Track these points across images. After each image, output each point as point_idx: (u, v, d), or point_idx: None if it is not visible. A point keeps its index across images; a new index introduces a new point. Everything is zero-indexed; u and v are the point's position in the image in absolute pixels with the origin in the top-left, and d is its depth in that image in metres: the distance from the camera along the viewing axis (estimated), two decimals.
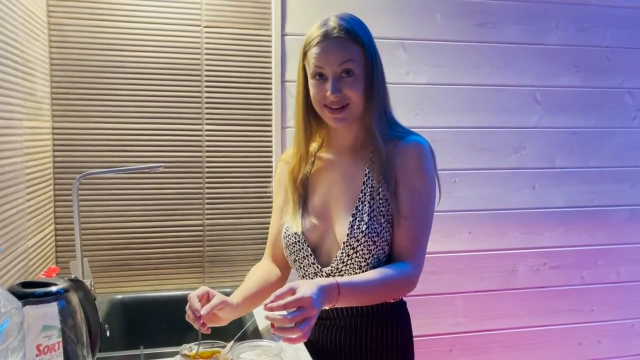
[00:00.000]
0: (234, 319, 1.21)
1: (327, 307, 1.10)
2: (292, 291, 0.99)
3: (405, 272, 1.15)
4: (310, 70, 1.19)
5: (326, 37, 1.16)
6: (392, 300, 1.24)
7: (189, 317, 1.13)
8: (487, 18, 2.08)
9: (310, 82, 1.20)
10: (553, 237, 2.23)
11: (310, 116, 1.26)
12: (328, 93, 1.16)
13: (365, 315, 1.21)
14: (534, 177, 2.19)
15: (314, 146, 1.32)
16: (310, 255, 1.22)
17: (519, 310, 2.22)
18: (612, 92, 2.24)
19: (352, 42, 1.16)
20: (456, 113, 2.09)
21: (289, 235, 1.25)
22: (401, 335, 1.24)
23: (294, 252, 1.25)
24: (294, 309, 0.97)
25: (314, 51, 1.17)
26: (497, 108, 2.13)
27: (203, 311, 1.10)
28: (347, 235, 1.17)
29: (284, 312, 0.97)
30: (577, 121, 2.22)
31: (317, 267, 1.22)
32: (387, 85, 1.26)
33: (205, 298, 1.15)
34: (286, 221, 1.28)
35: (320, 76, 1.18)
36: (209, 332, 1.12)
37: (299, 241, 1.23)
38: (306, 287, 1.00)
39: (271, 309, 0.97)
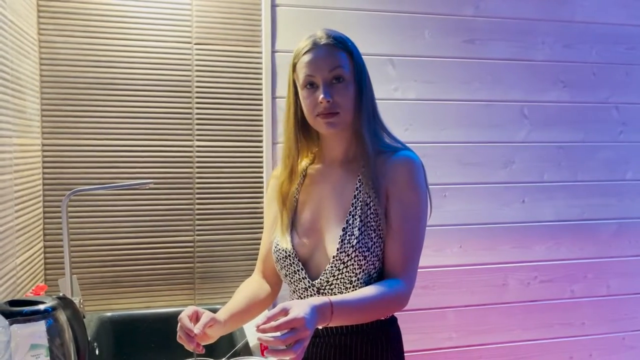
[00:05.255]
0: (222, 335, 1.21)
1: (320, 327, 1.10)
2: (285, 312, 0.98)
3: (397, 289, 1.15)
4: (300, 81, 1.21)
5: (315, 45, 1.18)
6: (383, 317, 1.23)
7: (181, 338, 1.11)
8: (475, 35, 2.11)
9: (302, 93, 1.21)
10: (543, 250, 2.24)
11: (301, 131, 1.26)
12: (320, 98, 1.16)
13: (356, 333, 1.21)
14: (523, 191, 2.21)
15: (305, 162, 1.33)
16: (302, 269, 1.22)
17: (510, 324, 2.23)
18: (598, 107, 2.27)
19: (340, 49, 1.19)
20: (445, 128, 2.11)
21: (278, 250, 1.25)
22: (392, 352, 1.24)
23: (285, 267, 1.25)
24: (287, 330, 0.95)
25: (303, 60, 1.19)
26: (485, 123, 2.15)
27: (196, 330, 1.09)
28: (338, 250, 1.17)
29: (277, 334, 0.95)
30: (565, 136, 2.24)
31: (308, 281, 1.21)
32: (377, 101, 1.28)
33: (194, 317, 1.13)
34: (276, 236, 1.28)
35: (312, 85, 1.19)
36: (203, 351, 1.11)
37: (289, 256, 1.23)
38: (299, 308, 0.98)
39: (263, 331, 0.95)
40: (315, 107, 1.18)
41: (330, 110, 1.17)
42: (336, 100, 1.17)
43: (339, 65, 1.17)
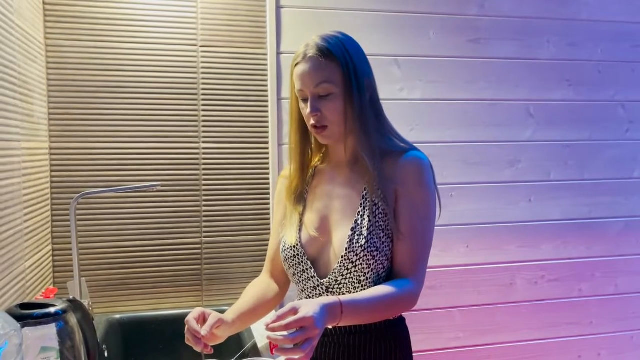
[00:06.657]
0: (230, 335, 1.21)
1: (330, 326, 1.10)
2: (295, 311, 0.98)
3: (407, 289, 1.15)
4: (295, 91, 1.23)
5: (304, 57, 1.19)
6: (392, 317, 1.24)
7: (189, 340, 1.12)
8: (480, 34, 2.11)
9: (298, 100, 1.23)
10: (550, 249, 2.24)
11: (307, 131, 1.27)
12: (307, 112, 1.19)
13: (364, 332, 1.21)
14: (530, 190, 2.20)
15: (314, 161, 1.34)
16: (310, 268, 1.22)
17: (517, 323, 2.22)
18: (604, 105, 2.27)
19: (328, 61, 1.17)
20: (451, 128, 2.11)
21: (286, 248, 1.26)
22: (401, 352, 1.24)
23: (293, 265, 1.25)
24: (296, 329, 0.96)
25: (296, 72, 1.21)
26: (491, 122, 2.15)
27: (203, 331, 1.09)
28: (346, 250, 1.18)
29: (286, 332, 0.96)
30: (571, 134, 2.24)
31: (317, 280, 1.22)
32: (382, 101, 1.28)
33: (202, 319, 1.14)
34: (284, 236, 1.28)
35: (303, 96, 1.21)
36: (211, 352, 1.12)
37: (297, 254, 1.23)
38: (309, 307, 0.98)
39: (273, 329, 0.96)
40: (307, 118, 1.21)
41: (319, 124, 1.19)
42: (324, 114, 1.18)
43: (324, 81, 1.17)
